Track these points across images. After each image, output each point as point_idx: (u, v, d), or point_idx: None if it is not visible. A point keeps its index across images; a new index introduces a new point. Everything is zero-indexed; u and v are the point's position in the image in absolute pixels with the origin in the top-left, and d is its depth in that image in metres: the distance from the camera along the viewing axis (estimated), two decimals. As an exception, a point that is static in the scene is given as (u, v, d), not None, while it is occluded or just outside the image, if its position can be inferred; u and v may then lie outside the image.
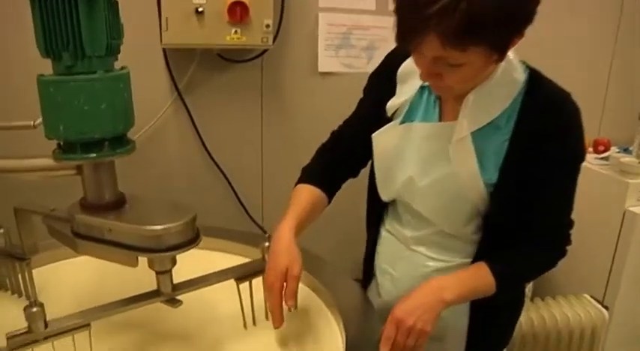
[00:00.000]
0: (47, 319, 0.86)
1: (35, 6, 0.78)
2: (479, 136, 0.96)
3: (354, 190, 1.23)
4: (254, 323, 1.09)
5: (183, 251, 0.88)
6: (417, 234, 1.11)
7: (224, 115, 1.79)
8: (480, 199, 0.98)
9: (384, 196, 1.14)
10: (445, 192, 1.01)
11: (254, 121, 1.82)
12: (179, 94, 1.72)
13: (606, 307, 1.90)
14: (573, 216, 1.03)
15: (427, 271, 1.10)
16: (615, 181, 1.96)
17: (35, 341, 0.85)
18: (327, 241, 1.64)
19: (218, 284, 1.02)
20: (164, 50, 1.69)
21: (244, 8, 1.56)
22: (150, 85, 1.69)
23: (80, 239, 0.92)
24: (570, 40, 2.11)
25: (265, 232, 1.69)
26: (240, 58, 1.75)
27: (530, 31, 0.87)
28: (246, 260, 1.14)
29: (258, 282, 1.06)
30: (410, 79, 1.04)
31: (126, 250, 0.88)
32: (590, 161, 2.09)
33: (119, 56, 0.87)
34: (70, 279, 1.24)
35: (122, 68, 0.87)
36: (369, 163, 1.17)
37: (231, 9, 1.55)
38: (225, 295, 1.07)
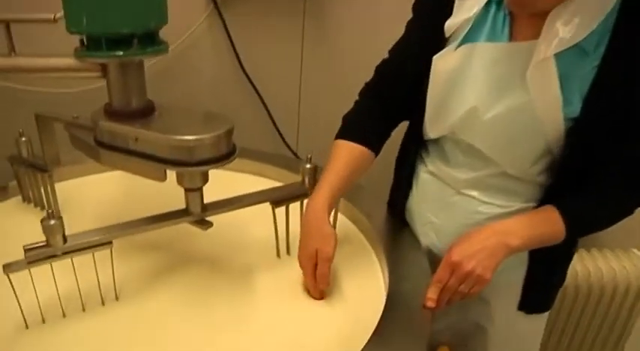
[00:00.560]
0: (67, 233, 0.79)
1: None
2: (562, 60, 0.82)
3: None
4: (288, 252, 1.01)
5: (217, 167, 0.79)
6: (471, 176, 0.97)
7: (263, 32, 1.66)
8: (555, 135, 0.86)
9: (434, 132, 0.99)
10: (515, 125, 0.88)
11: (294, 40, 1.68)
12: (216, 6, 1.59)
13: (655, 264, 1.79)
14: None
15: (480, 218, 0.98)
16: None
17: (53, 256, 0.78)
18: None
19: (252, 207, 0.94)
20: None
21: None
22: (184, -4, 1.57)
23: (104, 149, 0.84)
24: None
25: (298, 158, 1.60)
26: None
27: None
28: (283, 185, 1.05)
29: (295, 207, 0.98)
30: None
31: (153, 162, 0.79)
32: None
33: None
34: (95, 195, 1.18)
35: (156, -47, 0.75)
36: None
37: None
38: (259, 220, 0.99)
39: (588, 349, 1.77)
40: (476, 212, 0.98)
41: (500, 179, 0.95)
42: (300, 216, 0.97)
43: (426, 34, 0.95)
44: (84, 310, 0.85)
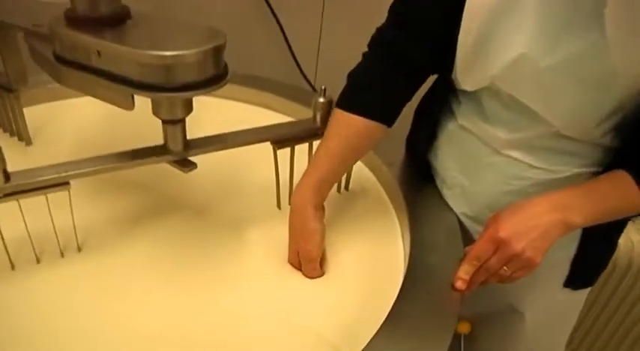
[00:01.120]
0: (13, 168, 0.63)
1: None
2: None
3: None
4: (290, 202, 0.85)
5: (202, 93, 0.61)
6: (516, 136, 0.77)
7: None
8: (634, 88, 0.66)
9: (469, 83, 0.77)
10: (580, 77, 0.67)
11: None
12: None
13: None
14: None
15: (523, 185, 0.79)
16: None
17: (-11, 197, 0.63)
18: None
19: (249, 147, 0.77)
20: None
21: None
22: None
23: (63, 65, 0.66)
24: None
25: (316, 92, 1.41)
26: None
27: None
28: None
29: (302, 149, 0.80)
30: None
31: (118, 84, 0.61)
32: None
33: None
34: (76, 122, 1.01)
35: None
36: None
37: None
38: (257, 164, 0.83)
39: (629, 328, 1.58)
40: (519, 178, 0.79)
41: (551, 140, 0.75)
42: (308, 160, 0.80)
43: None
44: (38, 262, 0.70)
